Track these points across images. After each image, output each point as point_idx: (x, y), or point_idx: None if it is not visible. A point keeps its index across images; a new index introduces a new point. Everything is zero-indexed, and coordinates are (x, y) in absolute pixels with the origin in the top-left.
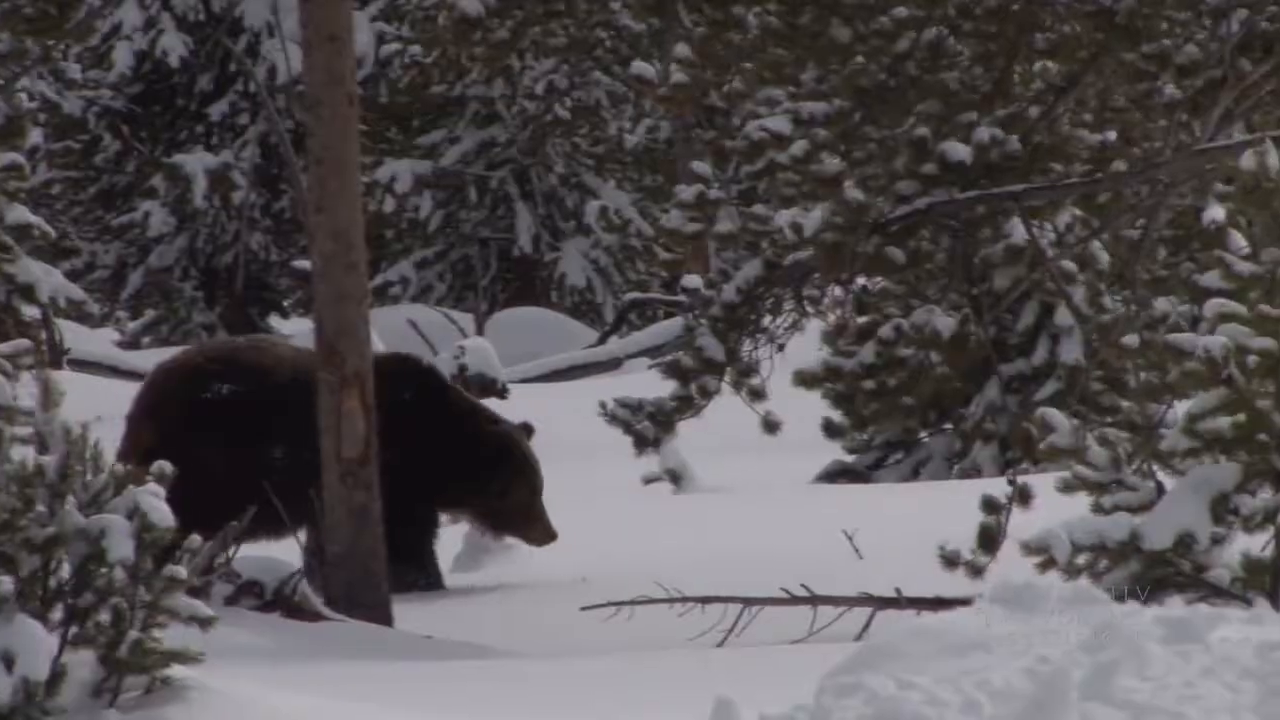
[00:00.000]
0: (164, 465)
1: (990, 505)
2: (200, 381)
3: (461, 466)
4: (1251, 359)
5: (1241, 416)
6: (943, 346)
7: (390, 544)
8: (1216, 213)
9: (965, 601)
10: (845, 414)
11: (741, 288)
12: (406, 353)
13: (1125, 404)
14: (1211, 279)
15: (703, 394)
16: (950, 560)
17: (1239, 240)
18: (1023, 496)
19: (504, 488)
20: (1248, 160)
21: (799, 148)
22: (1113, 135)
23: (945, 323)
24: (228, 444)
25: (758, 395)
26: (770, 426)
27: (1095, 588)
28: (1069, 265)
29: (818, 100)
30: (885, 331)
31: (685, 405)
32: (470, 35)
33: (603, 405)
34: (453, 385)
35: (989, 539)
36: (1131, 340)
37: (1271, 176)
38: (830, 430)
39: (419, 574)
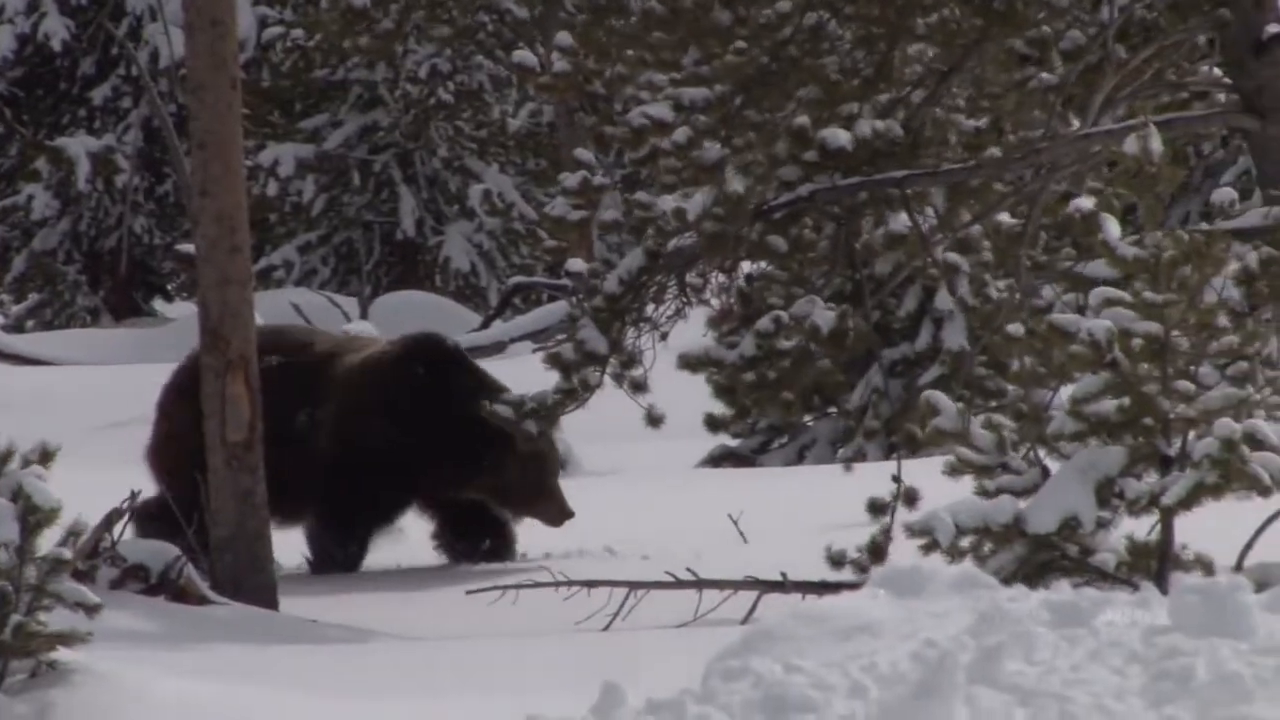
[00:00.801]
0: None
1: (876, 508)
2: None
3: (452, 448)
4: (1136, 343)
5: (1127, 400)
6: (823, 340)
7: (332, 514)
8: (1084, 201)
9: (851, 586)
10: (727, 405)
11: (624, 277)
12: (429, 331)
13: (1010, 388)
14: (1095, 265)
15: (585, 387)
16: (836, 561)
17: (1112, 226)
18: (909, 498)
19: (500, 467)
20: (1131, 145)
21: (681, 134)
22: (992, 121)
23: (825, 316)
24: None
25: (640, 388)
26: (654, 420)
27: (981, 572)
28: (954, 249)
29: (699, 86)
30: (764, 324)
31: (568, 398)
32: (356, 25)
33: (485, 404)
34: (473, 366)
35: (877, 548)
36: (1015, 326)
37: (1154, 161)
38: (712, 424)
39: (338, 549)
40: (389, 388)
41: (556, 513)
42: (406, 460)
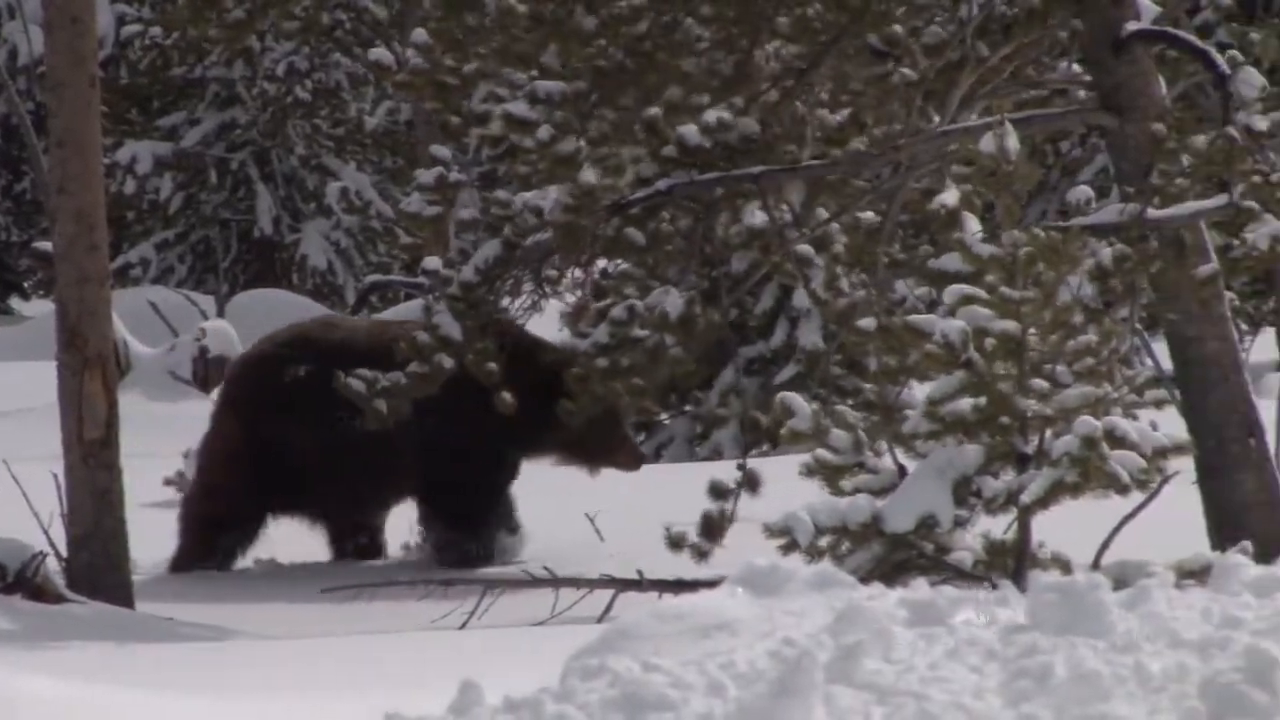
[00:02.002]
0: None
1: (718, 491)
2: (277, 367)
3: (529, 413)
4: (991, 342)
5: (983, 399)
6: (672, 327)
7: (452, 508)
8: (948, 197)
9: (708, 584)
10: (580, 392)
11: (480, 268)
12: None
13: (866, 386)
14: (951, 261)
15: (438, 372)
16: (675, 543)
17: (973, 223)
18: (751, 483)
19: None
20: (988, 143)
21: (545, 131)
22: (851, 118)
23: (674, 304)
24: (312, 424)
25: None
26: (504, 404)
27: (839, 571)
28: (809, 246)
29: (555, 81)
30: (618, 311)
31: (420, 382)
32: (206, 14)
33: (339, 376)
34: (521, 329)
35: (713, 528)
36: (869, 323)
37: (1011, 159)
38: (569, 415)
39: (473, 542)
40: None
41: (632, 459)
42: (495, 434)
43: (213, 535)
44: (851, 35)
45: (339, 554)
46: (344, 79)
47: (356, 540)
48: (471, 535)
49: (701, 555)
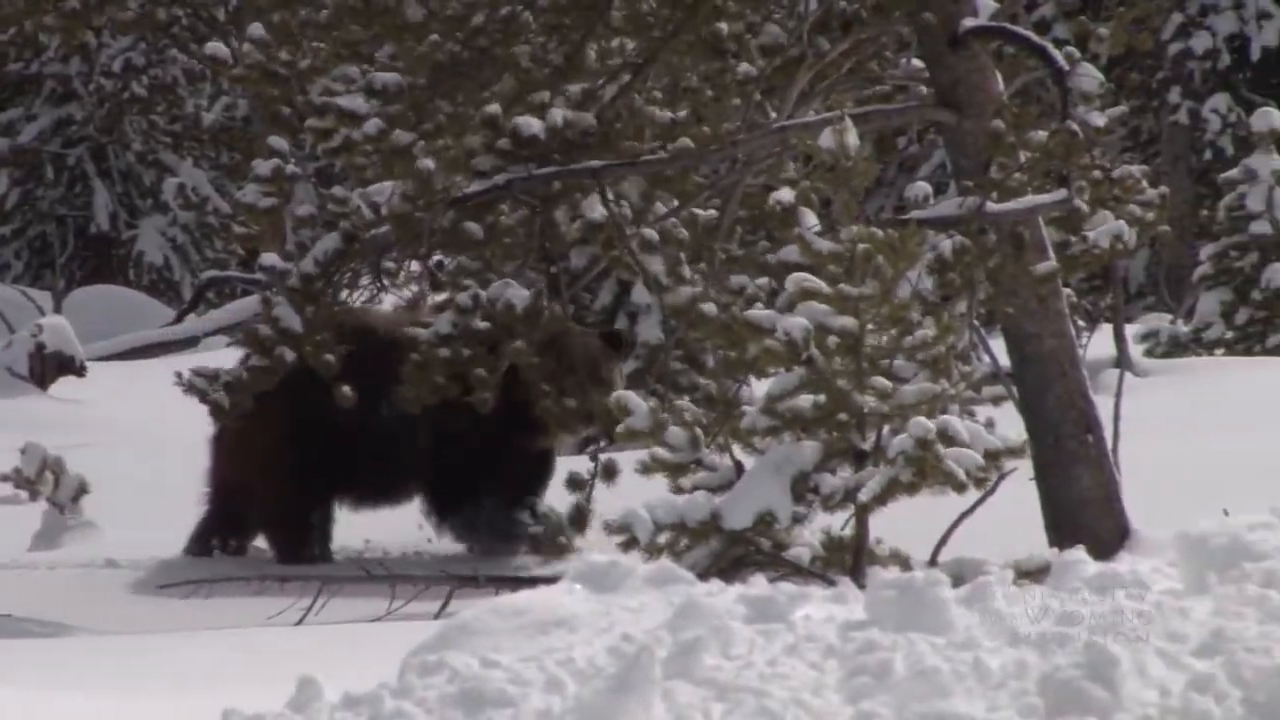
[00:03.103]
0: None
1: (575, 483)
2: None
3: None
4: (832, 339)
5: (822, 396)
6: (518, 318)
7: (493, 497)
8: (786, 193)
9: (545, 580)
10: (420, 382)
11: (319, 260)
12: None
13: (704, 382)
14: (790, 256)
15: (279, 365)
16: (535, 539)
17: (811, 219)
18: (608, 472)
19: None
20: (827, 139)
21: (373, 124)
22: (690, 113)
23: (520, 295)
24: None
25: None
26: (344, 398)
27: (678, 567)
28: (648, 239)
29: (391, 74)
30: (463, 299)
31: (261, 375)
32: (43, 4)
33: (179, 375)
34: None
35: (580, 518)
36: (710, 308)
37: (851, 155)
38: (403, 403)
39: (516, 526)
40: None
41: None
42: (502, 420)
43: (305, 525)
44: (687, 31)
45: None
46: (180, 75)
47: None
48: (474, 520)
49: (562, 550)
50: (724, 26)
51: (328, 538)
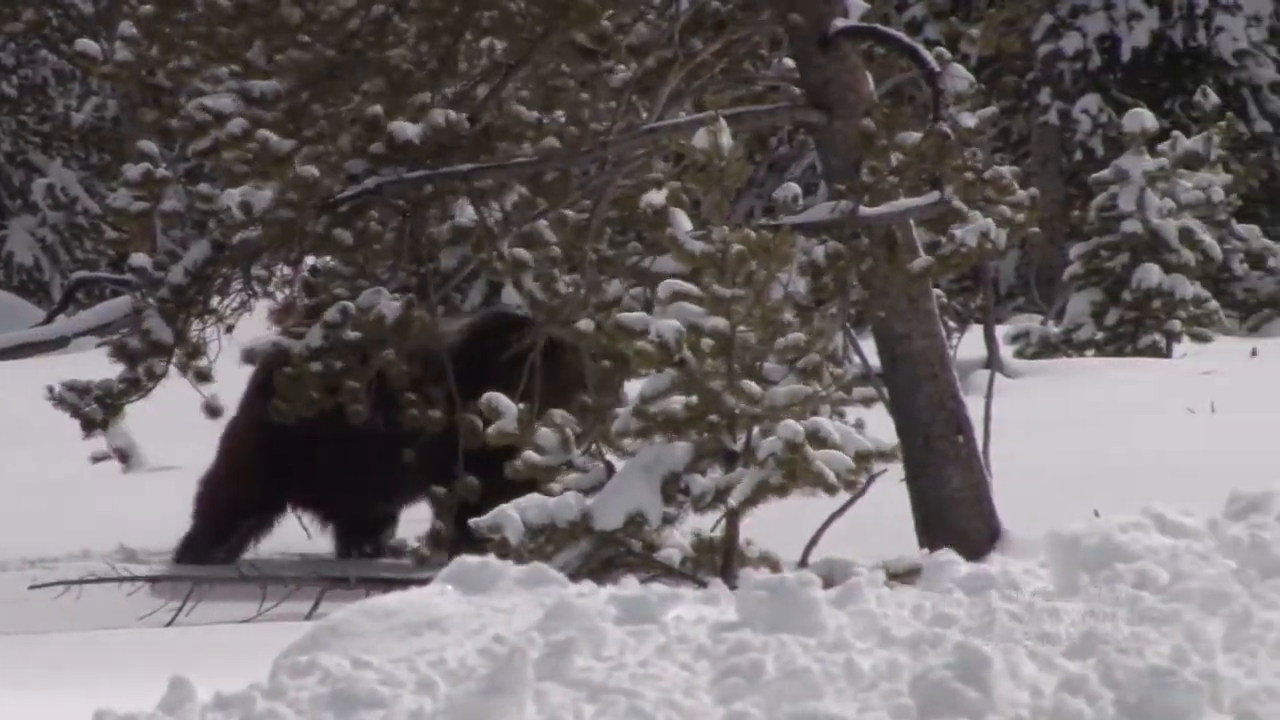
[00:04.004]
0: None
1: (435, 500)
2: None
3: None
4: (704, 341)
5: (694, 397)
6: (388, 330)
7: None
8: (657, 195)
9: (417, 582)
10: (293, 396)
11: (190, 269)
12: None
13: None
14: (664, 260)
15: (150, 376)
16: (397, 551)
17: (684, 220)
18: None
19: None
20: (701, 139)
21: (241, 125)
22: (560, 115)
23: (391, 306)
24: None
25: (204, 378)
26: (213, 411)
27: (549, 568)
28: (517, 248)
29: (265, 79)
30: (332, 314)
31: (132, 387)
32: None
33: (50, 389)
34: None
35: (439, 537)
36: (584, 322)
37: (724, 155)
38: (280, 414)
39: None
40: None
41: None
42: None
43: (231, 519)
44: (558, 32)
45: (344, 553)
46: (50, 75)
47: (361, 546)
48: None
49: (423, 561)
50: (604, 25)
51: (245, 543)
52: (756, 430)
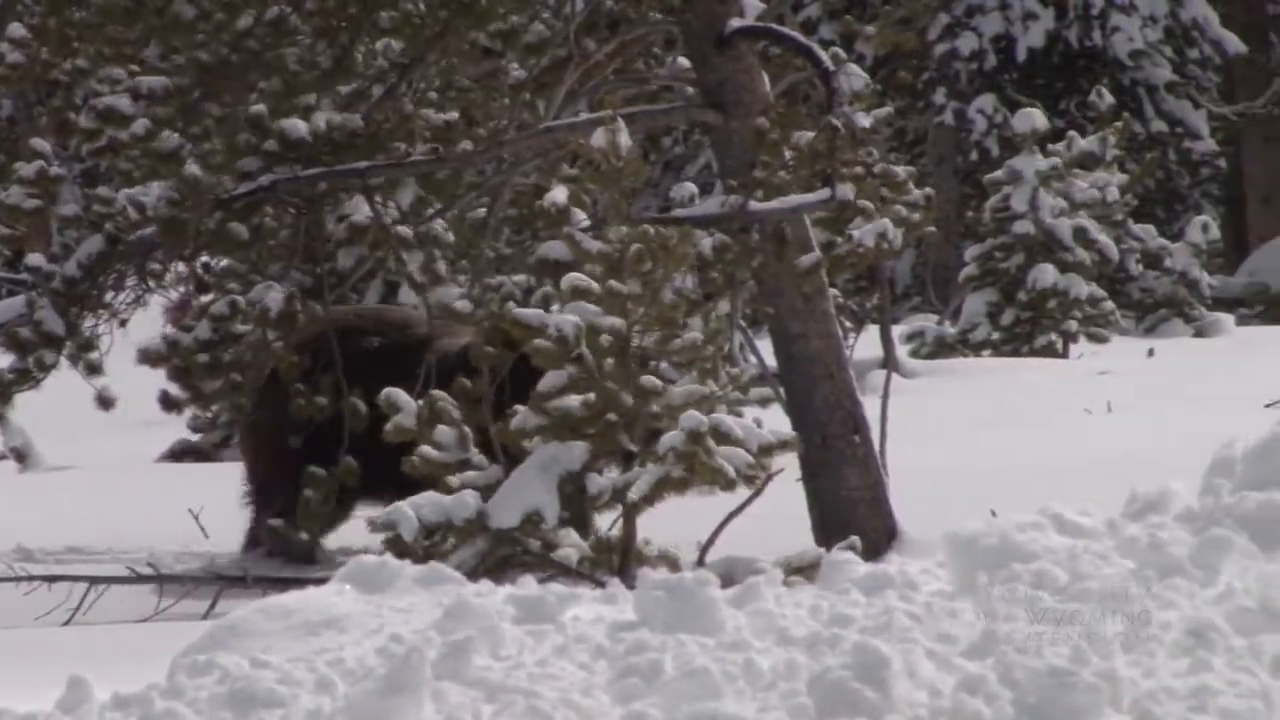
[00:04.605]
0: None
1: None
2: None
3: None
4: (603, 338)
5: (591, 395)
6: (272, 323)
7: None
8: (558, 194)
9: (315, 581)
10: (183, 389)
11: (83, 262)
12: None
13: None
14: (556, 248)
15: (40, 367)
16: (283, 536)
17: (582, 219)
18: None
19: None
20: (598, 138)
21: (140, 125)
22: (456, 114)
23: (275, 299)
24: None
25: (95, 370)
26: (105, 403)
27: (447, 567)
28: (412, 242)
29: (158, 76)
30: (219, 307)
31: (23, 378)
32: None
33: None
34: None
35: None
36: (476, 318)
37: (622, 155)
38: (167, 403)
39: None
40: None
41: None
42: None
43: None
44: (455, 32)
45: None
46: None
47: None
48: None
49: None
50: (501, 25)
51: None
52: (655, 429)
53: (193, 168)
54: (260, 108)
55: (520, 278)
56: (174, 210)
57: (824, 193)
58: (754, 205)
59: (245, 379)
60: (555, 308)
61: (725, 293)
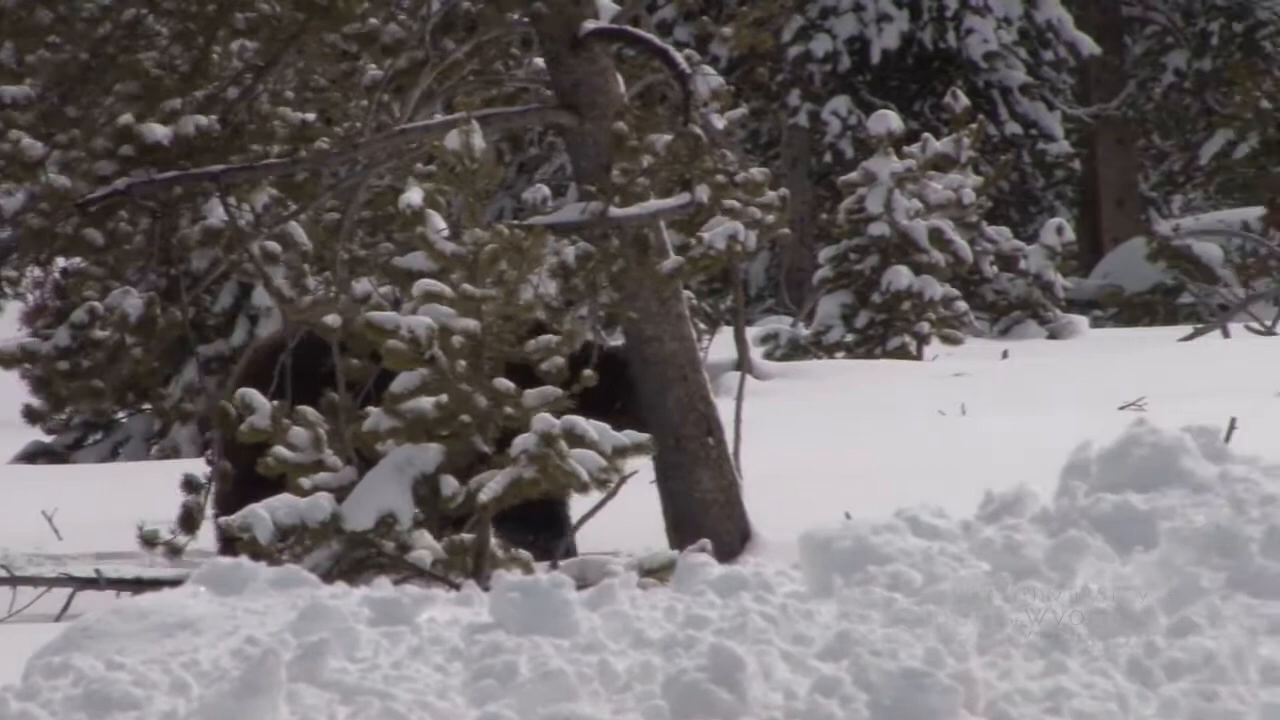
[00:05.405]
0: None
1: (191, 484)
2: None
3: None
4: (456, 340)
5: (444, 397)
6: (132, 329)
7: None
8: (414, 196)
9: (169, 583)
10: (43, 397)
11: None
12: None
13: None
14: (415, 259)
15: None
16: (149, 540)
17: (439, 221)
18: (225, 477)
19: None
20: (453, 140)
21: None
22: (313, 116)
23: (135, 304)
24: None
25: None
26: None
27: (302, 569)
28: (269, 246)
29: (16, 83)
30: (79, 315)
31: None
32: None
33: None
34: None
35: (190, 518)
36: (333, 320)
37: (476, 157)
38: (31, 415)
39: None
40: None
41: None
42: None
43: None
44: (312, 33)
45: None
46: None
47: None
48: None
49: (175, 552)
50: (358, 26)
51: None
52: (509, 431)
53: (53, 173)
54: (121, 111)
55: (386, 290)
56: (36, 218)
57: (684, 197)
58: (614, 211)
59: (105, 383)
60: (407, 308)
61: (586, 298)
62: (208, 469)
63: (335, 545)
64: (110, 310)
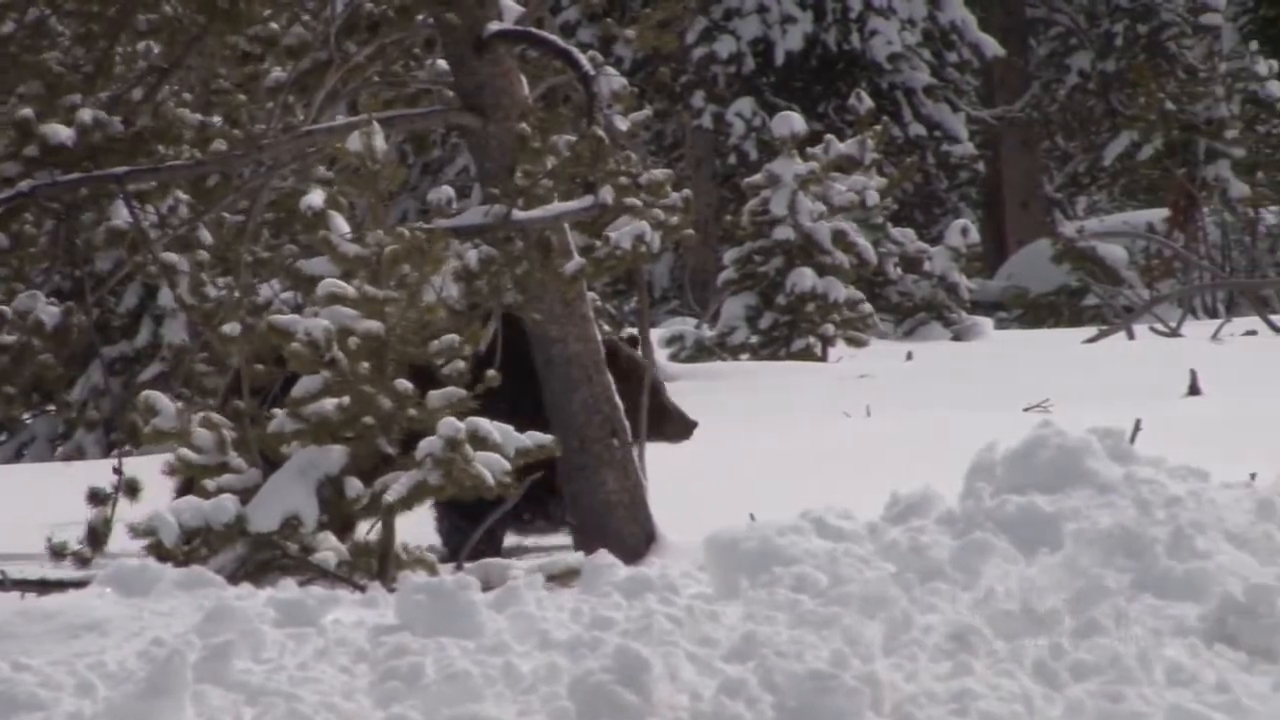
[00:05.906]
0: None
1: (96, 497)
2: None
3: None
4: (355, 341)
5: (347, 399)
6: (46, 336)
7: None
8: (315, 198)
9: (75, 584)
10: None
11: None
12: None
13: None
14: (319, 262)
15: None
16: (58, 552)
17: (341, 223)
18: (131, 489)
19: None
20: (354, 142)
21: None
22: (218, 118)
23: (49, 312)
24: None
25: None
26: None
27: (208, 571)
28: (172, 250)
29: None
30: None
31: None
32: None
33: None
34: None
35: (96, 535)
36: (233, 325)
37: (378, 158)
38: None
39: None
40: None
41: (682, 427)
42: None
43: None
44: (215, 35)
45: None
46: None
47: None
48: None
49: (84, 562)
50: (261, 28)
51: None
52: (413, 433)
53: None
54: (24, 112)
55: (288, 295)
56: None
57: (587, 200)
58: (518, 214)
59: (12, 386)
60: (309, 311)
61: (489, 300)
62: (114, 477)
63: (240, 547)
64: (21, 315)
